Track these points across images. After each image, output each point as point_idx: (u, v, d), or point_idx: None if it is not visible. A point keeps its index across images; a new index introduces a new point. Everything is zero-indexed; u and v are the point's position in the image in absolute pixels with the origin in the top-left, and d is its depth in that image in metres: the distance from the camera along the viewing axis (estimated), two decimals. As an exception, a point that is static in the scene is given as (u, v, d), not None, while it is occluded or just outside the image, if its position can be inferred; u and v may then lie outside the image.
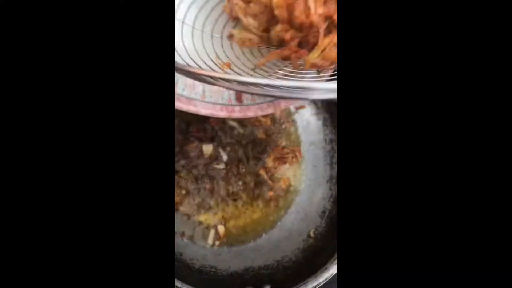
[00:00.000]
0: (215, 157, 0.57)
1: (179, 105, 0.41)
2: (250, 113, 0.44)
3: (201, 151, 0.56)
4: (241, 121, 0.59)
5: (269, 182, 0.59)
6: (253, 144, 0.59)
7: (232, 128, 0.59)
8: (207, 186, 0.57)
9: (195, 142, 0.56)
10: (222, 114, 0.43)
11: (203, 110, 0.42)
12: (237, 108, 0.44)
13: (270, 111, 0.45)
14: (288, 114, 0.62)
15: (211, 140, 0.57)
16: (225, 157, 0.58)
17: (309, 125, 0.62)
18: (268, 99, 0.46)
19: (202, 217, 0.57)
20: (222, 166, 0.57)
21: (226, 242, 0.57)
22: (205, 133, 0.57)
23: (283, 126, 0.61)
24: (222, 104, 0.43)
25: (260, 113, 0.45)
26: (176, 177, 0.56)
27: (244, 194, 0.58)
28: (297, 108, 0.61)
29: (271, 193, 0.59)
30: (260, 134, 0.60)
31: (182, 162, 0.56)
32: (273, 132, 0.60)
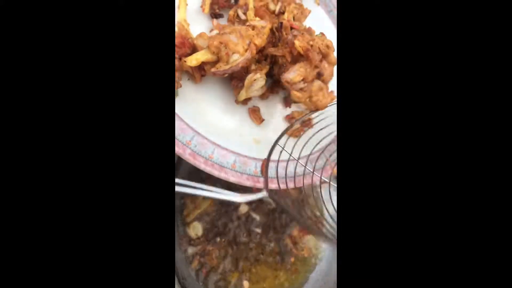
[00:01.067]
0: (250, 219, 0.60)
1: (213, 171, 0.46)
2: (273, 185, 0.49)
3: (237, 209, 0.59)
4: (273, 195, 0.63)
5: (294, 250, 0.61)
6: (282, 214, 0.62)
7: (267, 203, 0.62)
8: (242, 247, 0.58)
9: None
10: (248, 183, 0.48)
11: (232, 178, 0.47)
12: (261, 179, 0.49)
13: (290, 185, 0.50)
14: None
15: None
16: (258, 218, 0.60)
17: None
18: (289, 174, 0.51)
19: (233, 277, 0.58)
20: (259, 230, 0.60)
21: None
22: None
23: (309, 198, 0.61)
24: (248, 174, 0.49)
25: (282, 187, 0.50)
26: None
27: (270, 259, 0.60)
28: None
29: (294, 261, 0.60)
30: (288, 204, 0.61)
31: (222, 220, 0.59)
32: (300, 203, 0.61)
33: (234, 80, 0.50)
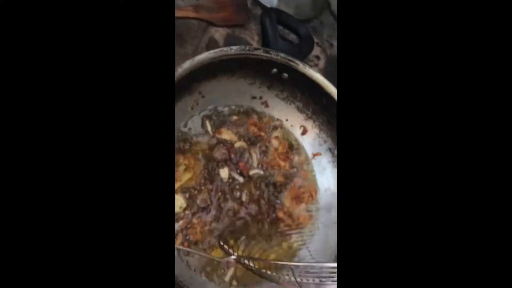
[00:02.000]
0: (234, 184, 0.55)
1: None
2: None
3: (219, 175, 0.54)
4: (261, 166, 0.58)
5: (286, 220, 0.57)
6: (272, 186, 0.58)
7: (255, 174, 0.58)
8: (230, 220, 0.54)
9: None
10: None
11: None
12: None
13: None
14: (306, 159, 0.61)
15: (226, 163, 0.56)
16: (241, 180, 0.56)
17: (324, 171, 0.61)
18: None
19: (219, 253, 0.53)
20: (246, 200, 0.56)
21: (241, 283, 0.52)
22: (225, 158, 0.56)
23: (301, 170, 0.60)
24: None
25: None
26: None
27: (262, 232, 0.56)
28: (314, 155, 0.61)
29: (287, 231, 0.57)
30: (279, 177, 0.59)
31: (209, 186, 0.54)
32: (291, 175, 0.60)
33: None
